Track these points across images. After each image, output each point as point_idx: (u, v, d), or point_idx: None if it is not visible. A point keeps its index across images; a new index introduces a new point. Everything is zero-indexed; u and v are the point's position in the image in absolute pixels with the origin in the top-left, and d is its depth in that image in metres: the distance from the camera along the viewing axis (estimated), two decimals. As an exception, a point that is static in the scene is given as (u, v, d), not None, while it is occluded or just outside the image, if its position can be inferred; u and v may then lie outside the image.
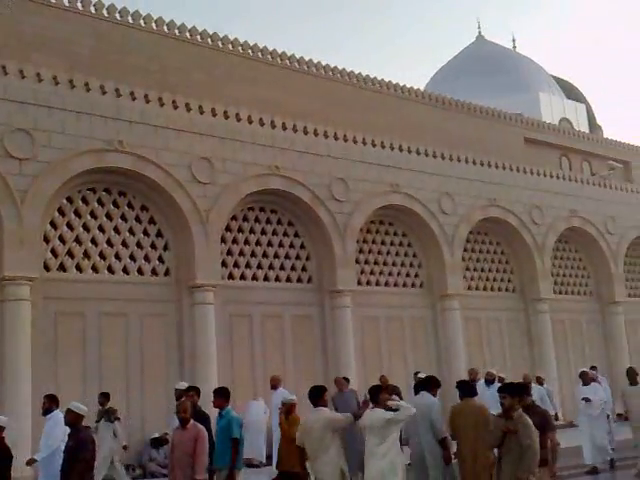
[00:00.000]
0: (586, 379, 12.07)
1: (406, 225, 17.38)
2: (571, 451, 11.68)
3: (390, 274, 17.07)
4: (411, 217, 17.12)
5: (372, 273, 16.79)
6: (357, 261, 16.34)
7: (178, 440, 6.64)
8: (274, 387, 12.17)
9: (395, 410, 6.48)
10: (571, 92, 34.96)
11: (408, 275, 17.41)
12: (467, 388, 7.46)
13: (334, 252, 15.32)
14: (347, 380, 11.83)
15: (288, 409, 8.77)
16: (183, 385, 9.84)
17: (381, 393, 6.71)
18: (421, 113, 22.65)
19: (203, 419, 7.41)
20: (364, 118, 20.02)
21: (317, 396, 6.85)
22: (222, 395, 7.64)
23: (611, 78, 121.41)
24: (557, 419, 14.87)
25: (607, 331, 20.79)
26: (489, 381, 12.88)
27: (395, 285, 17.13)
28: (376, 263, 16.89)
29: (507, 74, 32.30)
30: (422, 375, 10.89)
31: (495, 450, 6.64)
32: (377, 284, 16.83)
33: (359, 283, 16.23)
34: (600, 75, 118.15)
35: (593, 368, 14.97)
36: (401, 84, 22.97)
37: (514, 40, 37.51)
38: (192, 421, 6.69)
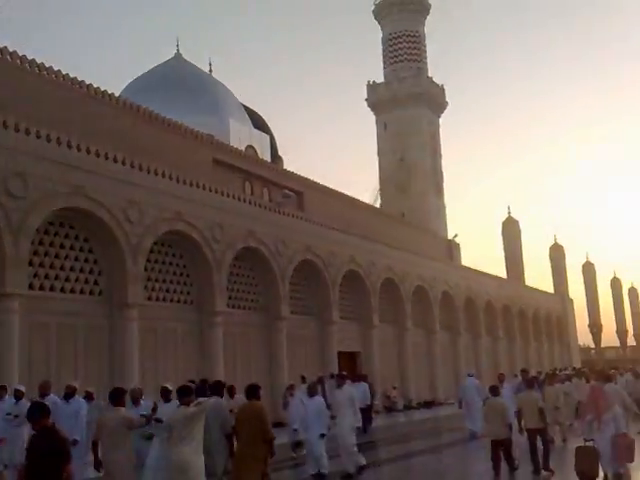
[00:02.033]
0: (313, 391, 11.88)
1: (89, 230, 16.84)
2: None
3: (67, 280, 16.33)
4: (95, 222, 16.65)
5: (47, 277, 15.88)
6: (31, 263, 15.31)
7: None
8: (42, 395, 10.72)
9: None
10: (258, 122, 37.56)
11: (87, 282, 16.83)
12: (251, 392, 8.53)
13: (5, 251, 14.16)
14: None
15: None
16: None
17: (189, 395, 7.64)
18: (114, 118, 22.22)
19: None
20: (52, 114, 18.93)
21: (116, 397, 7.96)
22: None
23: (295, 115, 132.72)
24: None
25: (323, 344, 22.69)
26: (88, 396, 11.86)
27: (72, 291, 16.42)
28: (52, 267, 16.02)
29: (201, 95, 33.38)
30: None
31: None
32: (52, 289, 15.95)
33: (31, 287, 15.22)
34: (285, 111, 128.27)
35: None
36: (95, 85, 22.27)
37: (210, 64, 38.97)
38: None
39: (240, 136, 32.16)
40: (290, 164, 40.85)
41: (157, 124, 24.38)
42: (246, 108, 37.63)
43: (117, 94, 24.89)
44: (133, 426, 7.76)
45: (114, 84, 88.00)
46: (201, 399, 7.81)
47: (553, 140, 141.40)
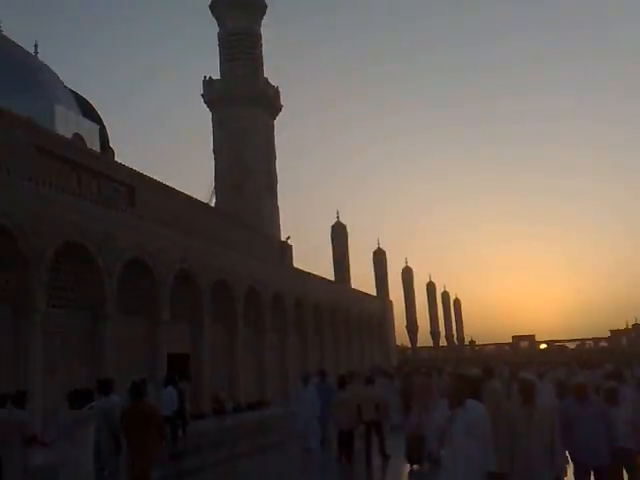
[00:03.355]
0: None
1: None
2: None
3: None
4: None
5: None
6: None
7: None
8: None
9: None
10: (88, 111, 35.46)
11: None
12: (137, 391, 8.72)
13: None
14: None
15: None
16: None
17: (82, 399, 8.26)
18: None
19: None
20: None
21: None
22: None
23: (129, 107, 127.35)
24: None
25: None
26: None
27: None
28: None
29: (24, 78, 30.87)
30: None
31: None
32: None
33: None
34: (118, 101, 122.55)
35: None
36: None
37: (36, 46, 36.19)
38: None
39: (67, 123, 30.15)
40: (122, 157, 39.07)
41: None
42: (75, 95, 35.39)
43: None
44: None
45: None
46: (94, 403, 8.54)
47: (378, 146, 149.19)
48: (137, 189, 30.10)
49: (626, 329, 69.03)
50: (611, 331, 69.78)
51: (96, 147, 32.19)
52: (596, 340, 69.18)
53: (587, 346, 68.15)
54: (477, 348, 73.48)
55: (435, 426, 6.67)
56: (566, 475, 7.34)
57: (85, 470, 8.19)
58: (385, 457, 13.10)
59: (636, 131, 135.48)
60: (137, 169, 31.05)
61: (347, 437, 12.94)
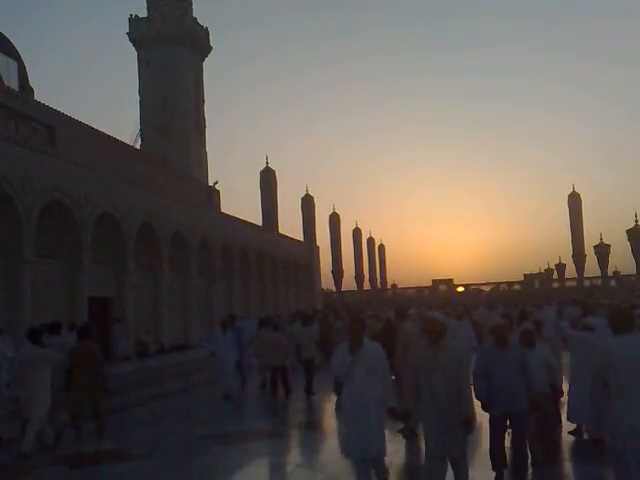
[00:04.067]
0: None
1: None
2: None
3: None
4: None
5: None
6: None
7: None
8: None
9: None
10: (5, 47, 33.80)
11: None
12: (84, 333, 10.60)
13: None
14: None
15: None
16: None
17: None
18: None
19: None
20: None
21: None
22: None
23: (50, 44, 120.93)
24: None
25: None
26: None
27: None
28: None
29: None
30: None
31: None
32: None
33: None
34: (38, 38, 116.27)
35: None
36: None
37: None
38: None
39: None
40: (42, 96, 37.64)
41: None
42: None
43: None
44: None
45: None
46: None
47: (310, 91, 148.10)
48: (58, 130, 29.31)
49: (539, 273, 72.80)
50: (525, 275, 73.47)
51: (14, 85, 30.95)
52: (510, 283, 72.70)
53: (501, 289, 71.62)
54: (399, 291, 75.92)
55: (335, 366, 6.88)
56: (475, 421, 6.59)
57: (43, 401, 9.55)
58: (312, 394, 14.74)
59: (541, 84, 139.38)
60: (58, 109, 30.17)
61: (281, 372, 14.76)
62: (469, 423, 6.20)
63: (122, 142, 37.57)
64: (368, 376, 6.49)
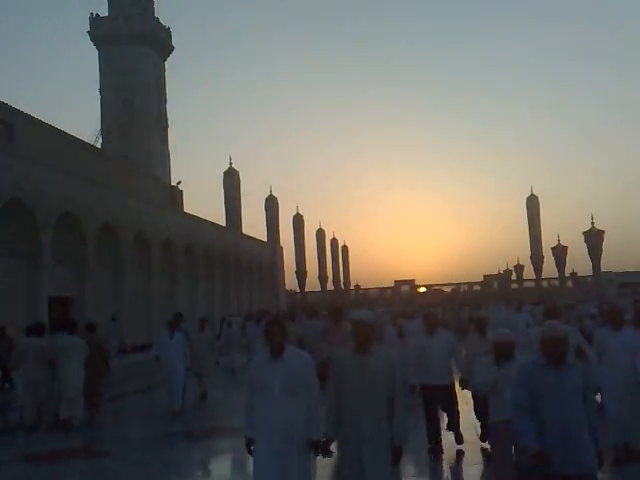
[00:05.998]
0: None
1: None
2: None
3: None
4: None
5: None
6: None
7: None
8: None
9: None
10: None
11: None
12: (90, 327, 13.10)
13: None
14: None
15: None
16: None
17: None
18: None
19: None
20: None
21: None
22: None
23: (9, 41, 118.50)
24: None
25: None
26: None
27: None
28: None
29: None
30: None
31: None
32: None
33: None
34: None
35: None
36: None
37: None
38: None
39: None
40: (1, 94, 36.92)
41: None
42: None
43: None
44: None
45: None
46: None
47: (275, 91, 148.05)
48: (16, 127, 28.83)
49: (498, 274, 74.14)
50: (484, 276, 74.75)
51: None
52: (470, 284, 73.89)
53: (461, 290, 72.75)
54: (361, 292, 76.43)
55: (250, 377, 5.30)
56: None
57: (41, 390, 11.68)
58: None
59: (499, 86, 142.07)
60: (17, 107, 29.68)
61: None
62: (399, 452, 5.03)
63: (83, 141, 37.10)
64: (285, 395, 5.00)
